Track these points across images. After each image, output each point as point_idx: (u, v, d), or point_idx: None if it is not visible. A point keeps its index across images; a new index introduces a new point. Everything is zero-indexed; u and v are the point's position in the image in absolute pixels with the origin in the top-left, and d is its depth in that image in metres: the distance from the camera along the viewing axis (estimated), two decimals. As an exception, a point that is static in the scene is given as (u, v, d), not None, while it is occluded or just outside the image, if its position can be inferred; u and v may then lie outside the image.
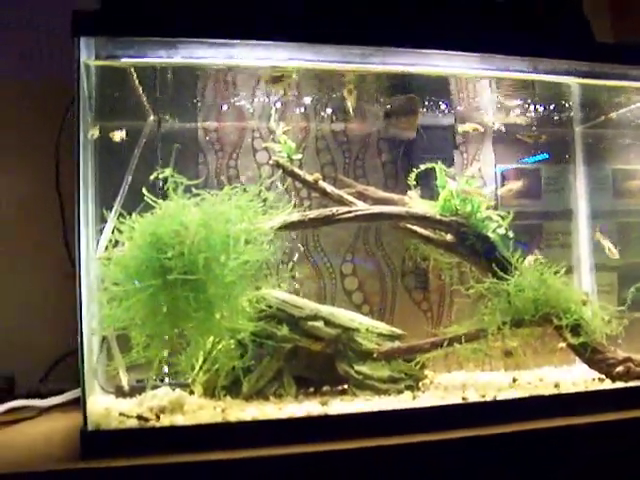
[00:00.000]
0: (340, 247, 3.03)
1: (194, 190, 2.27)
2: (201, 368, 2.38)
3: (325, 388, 2.59)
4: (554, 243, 3.24)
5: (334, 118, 3.03)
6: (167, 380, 2.51)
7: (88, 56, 2.16)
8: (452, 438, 2.10)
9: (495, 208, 2.85)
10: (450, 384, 2.69)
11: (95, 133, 2.32)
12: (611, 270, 3.23)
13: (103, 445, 1.98)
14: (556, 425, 2.22)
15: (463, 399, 2.36)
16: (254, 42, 2.29)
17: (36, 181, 2.91)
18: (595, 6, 3.56)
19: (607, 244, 3.01)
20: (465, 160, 3.16)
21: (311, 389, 2.57)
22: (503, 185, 3.20)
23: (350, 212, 2.59)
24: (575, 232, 3.29)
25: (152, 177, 2.33)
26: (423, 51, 2.45)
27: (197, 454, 1.94)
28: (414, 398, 2.41)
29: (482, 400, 2.36)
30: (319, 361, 2.55)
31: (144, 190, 2.26)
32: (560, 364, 2.92)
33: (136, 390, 2.42)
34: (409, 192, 2.77)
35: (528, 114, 3.10)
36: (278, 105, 2.85)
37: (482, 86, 2.96)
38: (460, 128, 2.97)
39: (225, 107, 2.89)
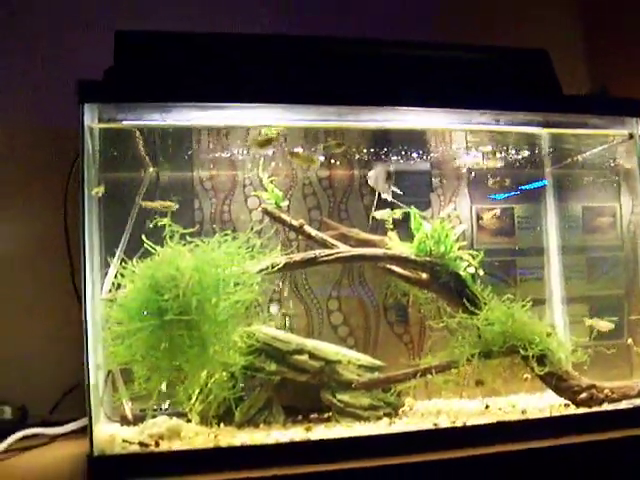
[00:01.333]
0: (326, 284, 3.20)
1: (189, 237, 2.46)
2: (197, 398, 2.58)
3: (312, 416, 2.77)
4: (527, 278, 3.40)
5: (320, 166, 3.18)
6: (166, 409, 2.69)
7: (92, 120, 2.38)
8: (423, 461, 2.27)
9: (471, 246, 3.05)
10: (427, 411, 2.86)
11: (100, 191, 2.51)
12: (582, 302, 3.39)
13: (107, 469, 2.19)
14: (520, 448, 2.39)
15: (434, 425, 2.53)
16: (241, 105, 2.53)
17: (48, 226, 3.08)
18: (571, 54, 3.78)
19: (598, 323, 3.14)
20: (442, 202, 3.33)
21: (299, 417, 2.76)
22: (478, 225, 3.36)
23: (332, 254, 2.78)
24: (547, 266, 3.44)
25: (152, 225, 2.52)
26: (397, 108, 2.68)
27: (191, 476, 2.14)
28: (390, 424, 2.59)
29: (452, 426, 2.54)
30: (306, 391, 2.74)
31: (143, 237, 2.46)
32: (534, 391, 3.05)
33: (139, 419, 2.59)
34: (389, 233, 2.96)
35: (502, 158, 3.25)
36: (266, 156, 3.01)
37: (457, 134, 3.11)
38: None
39: (218, 158, 3.07)
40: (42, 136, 3.16)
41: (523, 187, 3.42)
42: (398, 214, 3.00)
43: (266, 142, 2.77)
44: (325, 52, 2.74)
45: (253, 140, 2.81)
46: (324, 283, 3.20)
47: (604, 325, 3.08)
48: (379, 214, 2.98)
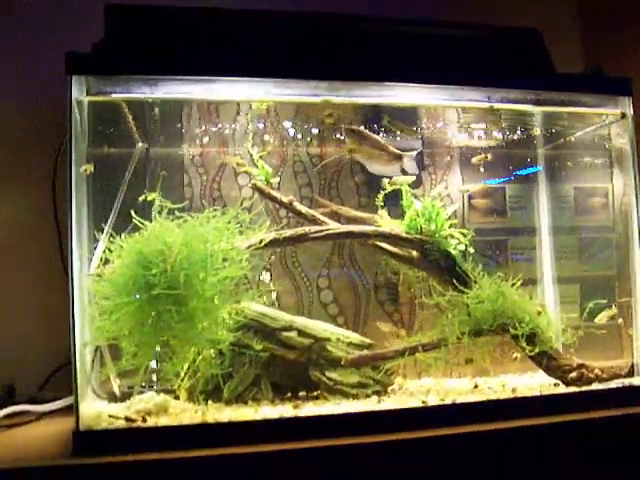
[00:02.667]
0: (317, 262, 3.19)
1: (178, 212, 2.45)
2: (185, 375, 2.57)
3: (301, 394, 2.77)
4: (517, 257, 3.39)
5: (311, 143, 3.19)
6: (155, 386, 2.70)
7: (80, 93, 2.36)
8: (411, 438, 2.28)
9: (462, 226, 3.04)
10: (417, 389, 2.87)
11: (89, 169, 2.48)
12: (573, 282, 3.39)
13: (93, 443, 2.18)
14: (509, 426, 2.39)
15: (423, 402, 2.54)
16: (232, 78, 2.50)
17: (35, 202, 3.10)
18: (566, 34, 3.77)
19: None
20: (433, 181, 3.32)
21: (288, 395, 2.75)
22: (470, 204, 3.35)
23: (322, 231, 2.77)
24: (539, 247, 3.44)
25: (140, 200, 2.52)
26: (394, 84, 2.66)
27: (177, 452, 2.13)
28: (379, 402, 2.59)
29: (441, 404, 2.55)
30: (295, 369, 2.73)
31: (132, 212, 2.45)
32: (524, 371, 3.06)
33: (127, 395, 2.58)
34: (379, 211, 2.94)
35: (494, 137, 3.24)
36: (257, 131, 3.00)
37: (450, 112, 3.10)
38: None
39: (208, 134, 3.05)
40: (31, 113, 3.16)
41: (514, 166, 3.42)
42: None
43: (330, 115, 2.79)
44: (318, 28, 2.72)
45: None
46: (314, 261, 3.19)
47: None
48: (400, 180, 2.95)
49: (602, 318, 3.05)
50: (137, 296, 2.32)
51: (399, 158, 2.76)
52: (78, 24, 2.95)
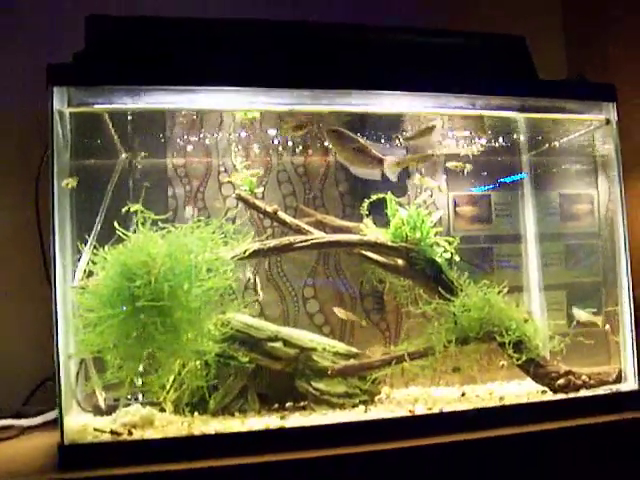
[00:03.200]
0: (302, 272, 3.17)
1: (163, 223, 2.44)
2: (171, 387, 2.56)
3: (287, 404, 2.74)
4: (504, 265, 3.39)
5: (295, 152, 3.18)
6: (141, 399, 2.67)
7: (62, 104, 2.34)
8: (398, 448, 2.27)
9: (448, 233, 3.04)
10: (404, 398, 2.85)
11: (71, 183, 2.48)
12: (560, 289, 3.39)
13: (78, 458, 2.16)
14: (497, 434, 2.39)
15: (410, 412, 2.53)
16: (215, 88, 2.49)
17: (18, 213, 3.06)
18: (550, 38, 3.77)
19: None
20: (418, 189, 3.31)
21: (274, 406, 2.73)
22: (455, 211, 3.34)
23: (307, 240, 2.76)
24: (525, 254, 3.43)
25: (123, 211, 2.49)
26: (379, 92, 2.66)
27: (164, 465, 2.12)
28: (366, 411, 2.58)
29: (428, 412, 2.54)
30: (281, 379, 2.72)
31: (115, 224, 2.43)
32: (512, 379, 3.05)
33: (112, 409, 2.56)
34: (364, 220, 2.93)
35: (479, 144, 3.22)
36: (240, 142, 2.99)
37: (434, 119, 3.08)
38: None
39: (192, 144, 3.03)
40: (13, 123, 3.14)
41: (500, 174, 3.40)
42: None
43: (301, 127, 2.79)
44: (302, 37, 2.70)
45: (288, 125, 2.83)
46: (300, 271, 3.17)
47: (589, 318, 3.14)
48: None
49: (581, 316, 3.05)
50: (123, 308, 2.30)
51: (380, 162, 2.75)
52: (59, 33, 2.92)
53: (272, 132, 2.98)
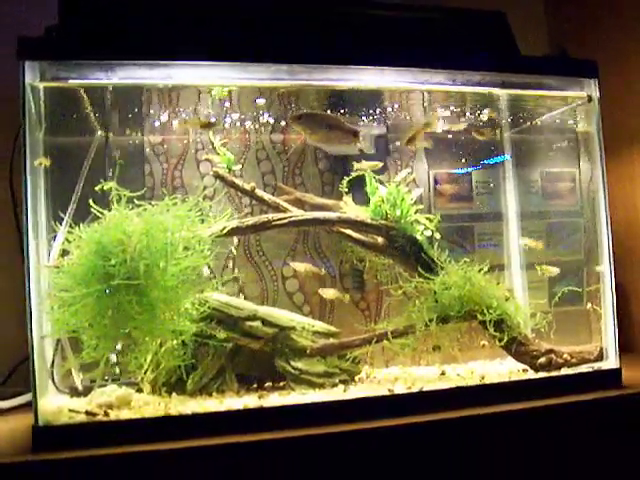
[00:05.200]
0: (281, 250, 3.14)
1: (140, 201, 2.39)
2: (148, 367, 2.53)
3: (267, 384, 2.73)
4: (485, 243, 3.37)
5: (274, 130, 3.14)
6: (120, 379, 2.64)
7: (34, 79, 2.28)
8: (377, 427, 2.25)
9: (428, 211, 3.01)
10: (384, 378, 2.84)
11: (43, 162, 2.44)
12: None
13: (53, 439, 2.13)
14: (477, 413, 2.37)
15: (389, 391, 2.51)
16: (191, 63, 2.44)
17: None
18: (533, 14, 3.74)
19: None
20: (399, 167, 3.28)
21: (253, 385, 2.72)
22: (436, 189, 3.32)
23: (285, 218, 2.72)
24: (506, 233, 3.41)
25: (97, 189, 2.44)
26: (353, 67, 2.61)
27: (139, 445, 2.09)
28: (345, 391, 2.56)
29: (407, 392, 2.52)
30: (260, 359, 2.70)
31: (91, 202, 2.38)
32: (494, 357, 3.06)
33: (90, 390, 2.52)
34: (344, 198, 2.90)
35: (459, 122, 3.20)
36: (219, 119, 2.94)
37: (413, 97, 3.05)
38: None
39: (169, 121, 2.99)
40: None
41: (481, 151, 3.37)
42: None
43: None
44: (276, 10, 2.66)
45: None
46: (279, 250, 3.14)
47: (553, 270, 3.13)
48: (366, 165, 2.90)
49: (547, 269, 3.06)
50: (98, 287, 2.25)
51: (355, 134, 2.71)
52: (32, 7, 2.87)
53: (250, 109, 2.92)
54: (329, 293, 3.02)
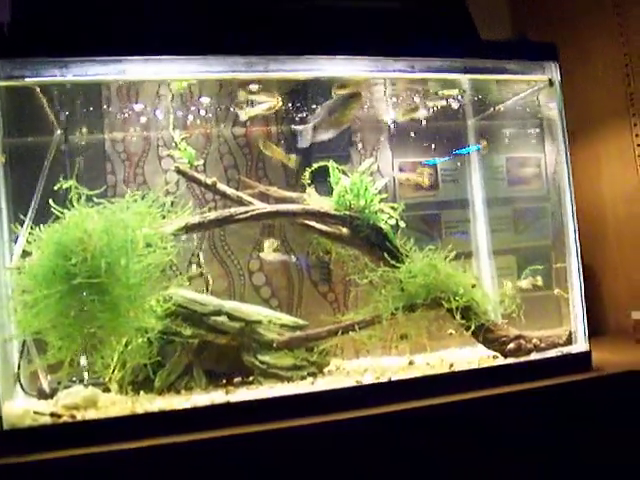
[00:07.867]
0: (246, 245, 3.13)
1: (103, 199, 2.37)
2: (115, 366, 2.50)
3: (236, 379, 2.71)
4: (452, 231, 3.36)
5: (235, 123, 3.13)
6: (87, 379, 2.61)
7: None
8: (345, 418, 2.24)
9: (393, 200, 3.00)
10: (353, 369, 2.83)
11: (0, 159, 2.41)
12: (509, 254, 3.37)
13: (18, 443, 2.10)
14: (446, 401, 2.37)
15: (357, 382, 2.50)
16: (149, 57, 2.42)
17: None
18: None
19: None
20: (363, 157, 3.27)
21: (222, 381, 2.70)
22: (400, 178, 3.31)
23: (248, 212, 2.71)
24: (473, 220, 3.42)
25: (56, 188, 2.42)
26: (311, 57, 2.59)
27: (107, 445, 2.07)
28: (312, 383, 2.55)
29: (375, 382, 2.51)
30: (228, 354, 2.69)
31: (50, 201, 2.36)
32: (464, 345, 3.06)
33: (57, 391, 2.48)
34: (307, 189, 2.89)
35: (422, 110, 3.18)
36: (178, 114, 2.92)
37: (377, 86, 3.04)
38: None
39: (129, 118, 2.97)
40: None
41: (446, 139, 3.37)
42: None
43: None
44: (233, 2, 2.64)
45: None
46: (244, 244, 3.13)
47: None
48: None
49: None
50: (60, 287, 2.23)
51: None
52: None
53: (210, 102, 2.91)
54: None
